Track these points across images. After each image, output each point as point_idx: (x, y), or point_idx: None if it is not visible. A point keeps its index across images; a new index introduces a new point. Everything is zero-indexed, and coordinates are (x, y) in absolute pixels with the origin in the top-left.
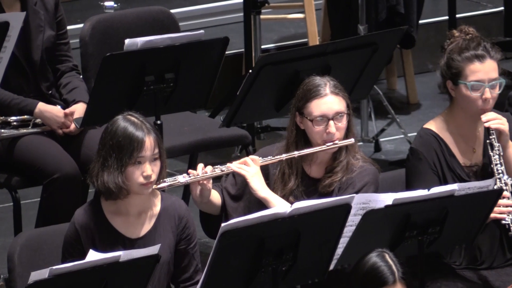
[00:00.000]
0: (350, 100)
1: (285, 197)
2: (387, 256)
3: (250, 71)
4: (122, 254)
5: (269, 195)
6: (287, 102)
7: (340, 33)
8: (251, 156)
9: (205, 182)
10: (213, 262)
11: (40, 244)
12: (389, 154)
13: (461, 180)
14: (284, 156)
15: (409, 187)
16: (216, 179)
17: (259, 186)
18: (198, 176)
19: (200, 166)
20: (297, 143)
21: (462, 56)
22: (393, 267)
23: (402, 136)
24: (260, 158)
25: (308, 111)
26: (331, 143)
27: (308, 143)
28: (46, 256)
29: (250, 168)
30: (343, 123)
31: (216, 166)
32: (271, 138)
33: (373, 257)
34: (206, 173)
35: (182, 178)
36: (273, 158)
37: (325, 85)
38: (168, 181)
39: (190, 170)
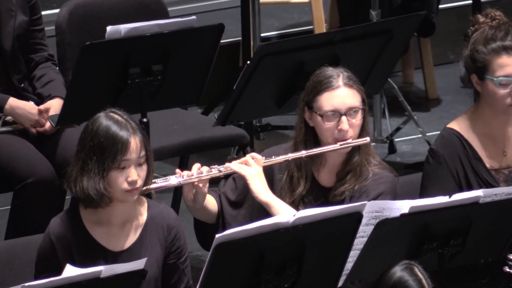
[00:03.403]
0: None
1: (294, 204)
2: (416, 269)
3: (248, 62)
4: (104, 269)
5: (271, 199)
6: (290, 97)
7: (349, 20)
8: (253, 155)
9: (200, 184)
10: (206, 279)
11: (10, 258)
12: (405, 156)
13: (488, 186)
14: (290, 156)
15: (423, 191)
16: (213, 183)
17: (260, 188)
18: (193, 177)
19: (196, 166)
20: (306, 142)
21: (488, 48)
22: (423, 281)
23: (420, 135)
24: (263, 157)
25: (318, 105)
26: (344, 142)
27: (318, 143)
28: (17, 271)
29: (251, 169)
30: (357, 120)
31: (213, 166)
32: (271, 138)
33: (400, 270)
34: (202, 173)
35: (174, 179)
36: (278, 158)
37: (338, 76)
38: (159, 182)
39: (179, 170)
